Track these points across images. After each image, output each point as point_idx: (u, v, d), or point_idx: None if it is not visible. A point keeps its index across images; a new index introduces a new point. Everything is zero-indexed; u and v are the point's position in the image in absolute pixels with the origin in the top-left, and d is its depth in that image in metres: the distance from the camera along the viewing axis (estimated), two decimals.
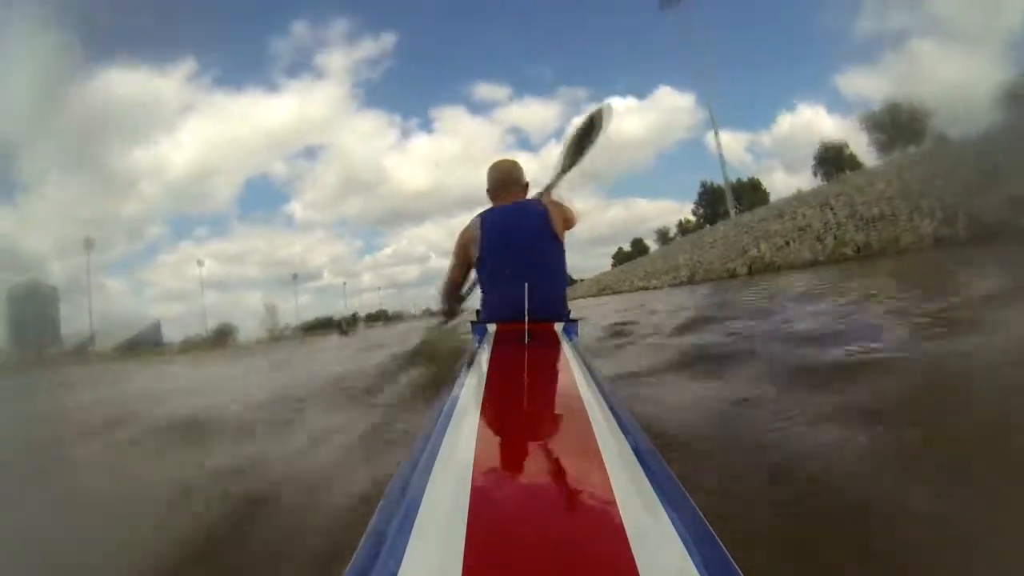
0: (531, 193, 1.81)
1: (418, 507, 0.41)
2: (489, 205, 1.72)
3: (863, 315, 2.81)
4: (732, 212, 28.50)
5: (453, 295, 1.93)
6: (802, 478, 0.98)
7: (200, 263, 54.15)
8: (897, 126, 24.51)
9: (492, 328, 1.44)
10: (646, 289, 21.72)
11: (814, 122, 47.76)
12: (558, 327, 1.42)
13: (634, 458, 0.49)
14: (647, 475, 0.45)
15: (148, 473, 1.64)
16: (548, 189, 1.98)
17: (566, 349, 1.13)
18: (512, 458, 0.56)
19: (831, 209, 15.34)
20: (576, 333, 1.49)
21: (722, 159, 30.79)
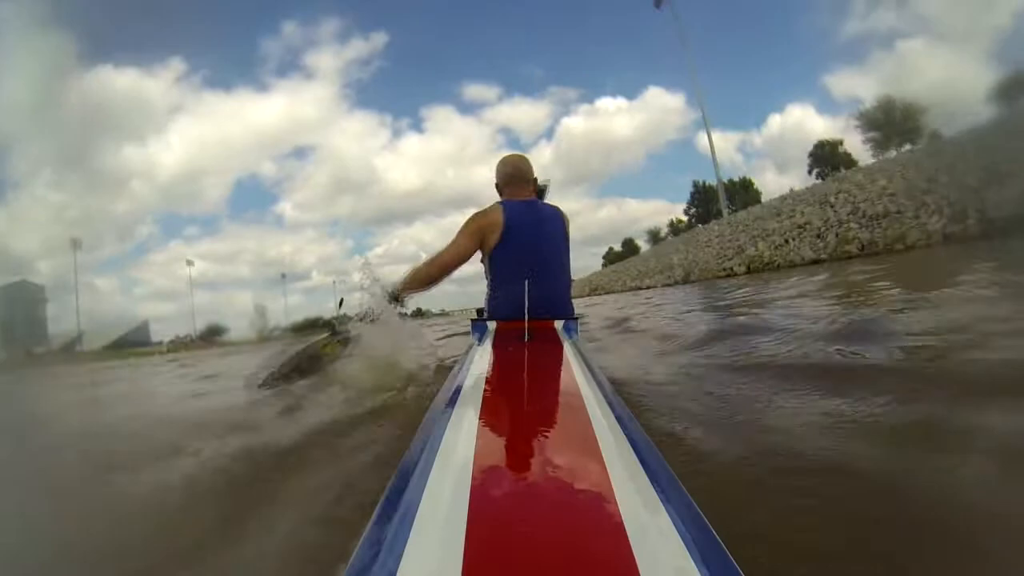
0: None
1: (418, 505, 0.40)
2: (492, 200, 1.65)
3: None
4: (725, 211, 28.25)
5: (430, 278, 1.62)
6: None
7: (190, 263, 53.74)
8: (891, 123, 24.42)
9: (492, 326, 1.44)
10: (639, 289, 21.32)
11: (804, 122, 48.07)
12: (558, 325, 1.42)
13: (633, 455, 0.48)
14: (646, 472, 0.45)
15: None
16: None
17: (566, 347, 1.13)
18: (511, 456, 0.54)
19: (831, 207, 14.96)
20: (576, 331, 1.47)
21: (715, 158, 30.61)
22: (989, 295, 2.58)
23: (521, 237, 1.51)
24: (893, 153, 21.51)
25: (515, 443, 0.59)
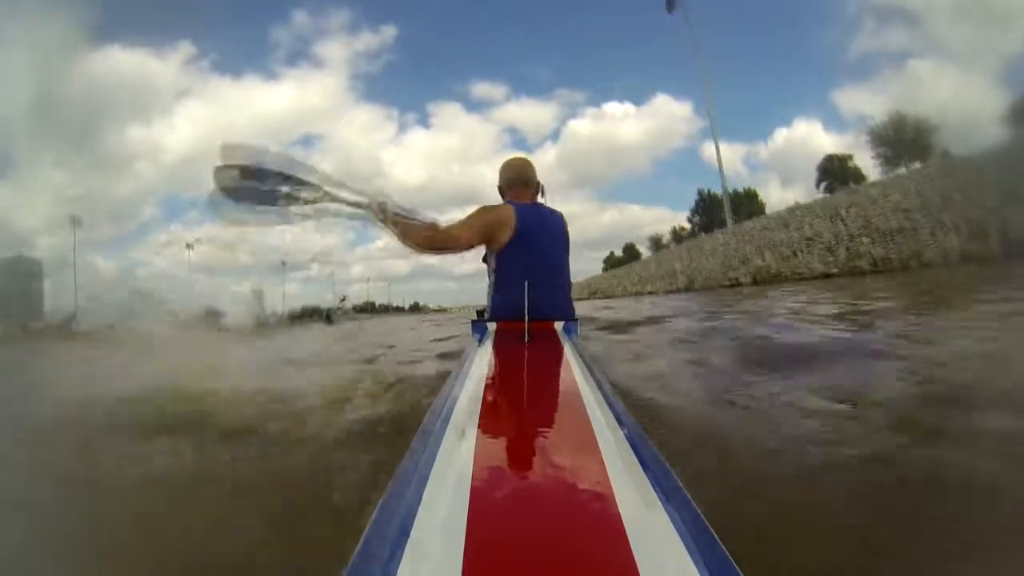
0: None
1: (417, 506, 0.40)
2: (496, 199, 1.69)
3: None
4: (729, 221, 27.93)
5: (429, 244, 1.56)
6: None
7: (190, 246, 53.27)
8: (902, 140, 24.14)
9: (492, 326, 1.47)
10: (640, 295, 20.99)
11: (811, 137, 47.82)
12: (558, 326, 1.44)
13: (633, 456, 0.48)
14: (646, 473, 0.44)
15: None
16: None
17: (566, 348, 1.13)
18: (511, 457, 0.54)
19: (842, 220, 14.61)
20: (576, 332, 1.49)
21: (721, 168, 30.32)
22: None
23: (530, 240, 1.52)
24: (903, 170, 21.23)
25: (515, 444, 0.58)
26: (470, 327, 1.55)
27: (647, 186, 74.60)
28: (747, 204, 35.36)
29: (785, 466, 1.06)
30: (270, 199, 1.45)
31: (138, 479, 1.24)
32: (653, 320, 4.44)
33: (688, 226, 40.87)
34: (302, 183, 1.47)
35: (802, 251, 15.15)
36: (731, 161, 49.01)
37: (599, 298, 23.45)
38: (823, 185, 29.26)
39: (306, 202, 1.48)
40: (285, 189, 1.46)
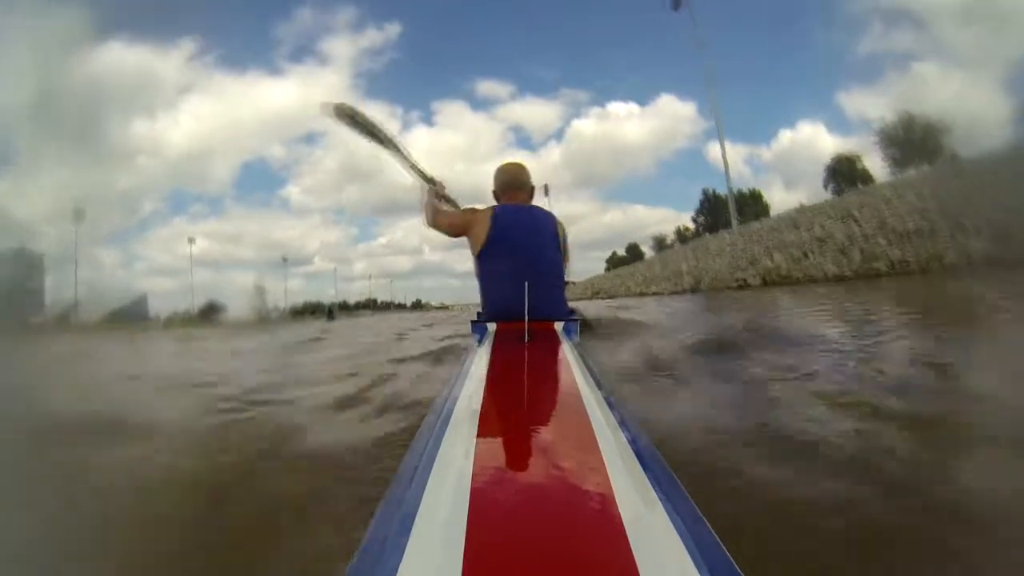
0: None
1: (418, 506, 0.40)
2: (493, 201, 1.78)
3: None
4: (734, 222, 27.63)
5: (434, 222, 1.82)
6: None
7: (192, 240, 53.20)
8: (911, 141, 23.82)
9: (492, 327, 1.47)
10: (643, 295, 20.70)
11: (815, 139, 47.52)
12: (558, 326, 1.44)
13: (634, 457, 0.48)
14: (647, 474, 0.44)
15: None
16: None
17: (566, 348, 1.14)
18: (512, 457, 0.54)
19: (855, 221, 14.29)
20: (576, 332, 1.49)
21: (727, 169, 30.01)
22: None
23: (510, 240, 1.57)
24: (912, 172, 20.94)
25: (515, 444, 0.58)
26: (470, 327, 1.58)
27: (651, 186, 74.36)
28: (752, 205, 35.10)
29: None
30: (371, 135, 1.90)
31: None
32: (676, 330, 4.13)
33: (692, 227, 40.62)
34: (392, 141, 1.92)
35: (813, 252, 14.83)
36: (734, 162, 48.62)
37: (602, 298, 23.15)
38: (831, 187, 28.95)
39: (393, 150, 1.92)
40: (381, 136, 1.91)
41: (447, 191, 1.92)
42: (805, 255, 15.11)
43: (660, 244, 43.16)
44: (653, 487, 0.41)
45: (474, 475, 0.44)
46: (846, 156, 29.45)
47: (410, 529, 0.36)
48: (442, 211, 1.85)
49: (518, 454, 0.54)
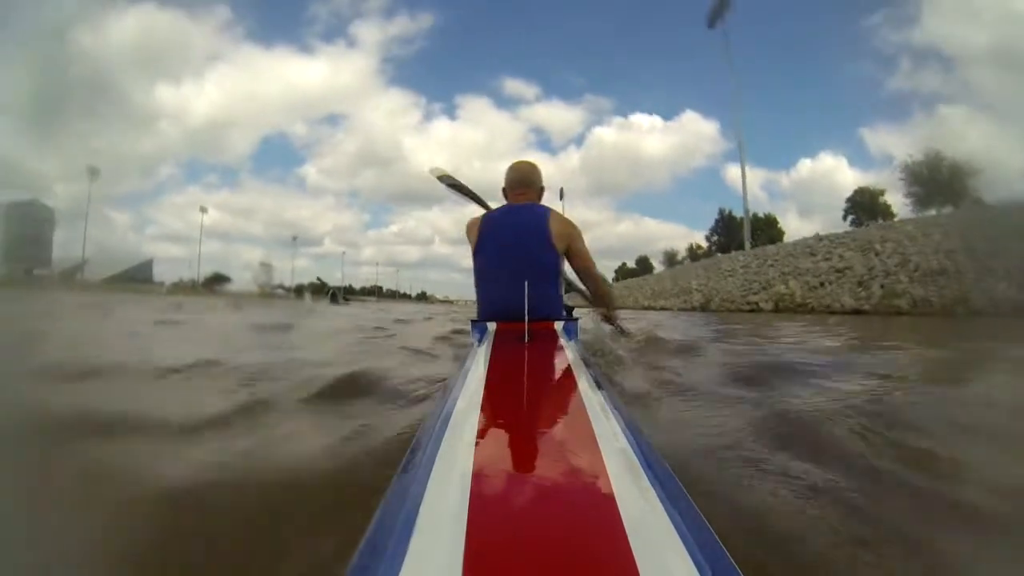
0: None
1: (418, 507, 0.39)
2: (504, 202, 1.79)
3: None
4: (748, 244, 27.30)
5: None
6: None
7: (204, 210, 53.14)
8: (936, 181, 23.42)
9: (492, 327, 1.48)
10: (650, 309, 20.43)
11: (835, 171, 47.03)
12: (558, 326, 1.45)
13: (634, 457, 0.48)
14: (647, 474, 0.44)
15: None
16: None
17: (566, 348, 1.14)
18: (512, 457, 0.53)
19: (876, 254, 13.98)
20: (576, 332, 1.52)
21: (745, 191, 29.77)
22: None
23: (495, 241, 1.60)
24: (933, 212, 20.55)
25: (515, 444, 0.57)
26: (470, 327, 1.60)
27: (665, 201, 74.24)
28: (766, 230, 34.82)
29: None
30: (458, 189, 2.56)
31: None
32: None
33: (705, 245, 40.28)
34: (470, 191, 2.56)
35: (831, 282, 14.53)
36: (751, 186, 48.46)
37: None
38: (850, 218, 28.58)
39: (470, 198, 2.52)
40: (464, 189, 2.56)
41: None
42: (822, 284, 14.81)
43: (671, 259, 42.87)
44: (653, 487, 0.41)
45: (474, 475, 0.44)
46: (869, 189, 29.08)
47: (410, 529, 0.36)
48: None
49: (518, 454, 0.53)
